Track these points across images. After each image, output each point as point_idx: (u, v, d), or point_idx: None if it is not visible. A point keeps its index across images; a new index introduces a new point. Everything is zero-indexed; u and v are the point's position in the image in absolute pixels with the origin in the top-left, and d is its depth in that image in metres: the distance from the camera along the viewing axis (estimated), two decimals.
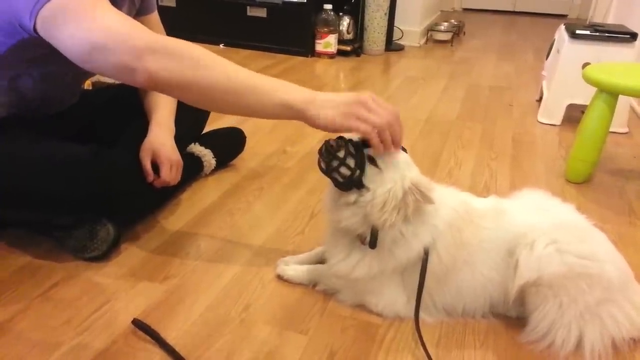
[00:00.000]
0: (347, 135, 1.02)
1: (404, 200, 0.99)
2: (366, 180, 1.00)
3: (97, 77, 1.89)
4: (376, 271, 1.07)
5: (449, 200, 1.10)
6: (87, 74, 1.42)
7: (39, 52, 1.12)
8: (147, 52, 0.95)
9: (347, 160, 0.99)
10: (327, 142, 1.00)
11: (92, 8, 0.97)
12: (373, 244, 1.02)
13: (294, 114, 0.99)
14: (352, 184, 1.00)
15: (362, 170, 0.99)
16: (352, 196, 1.01)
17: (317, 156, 1.02)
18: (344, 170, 0.99)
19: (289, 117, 1.00)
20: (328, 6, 3.30)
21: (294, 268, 1.23)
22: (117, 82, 1.50)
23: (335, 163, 0.99)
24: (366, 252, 1.06)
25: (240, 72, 1.01)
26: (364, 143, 1.01)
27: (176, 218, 1.48)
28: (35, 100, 1.26)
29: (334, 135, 1.02)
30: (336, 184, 1.02)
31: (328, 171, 1.00)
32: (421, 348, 1.01)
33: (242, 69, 1.01)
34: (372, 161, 1.00)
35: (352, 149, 0.99)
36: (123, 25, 0.98)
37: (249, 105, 1.00)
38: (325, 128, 0.99)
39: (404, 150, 1.05)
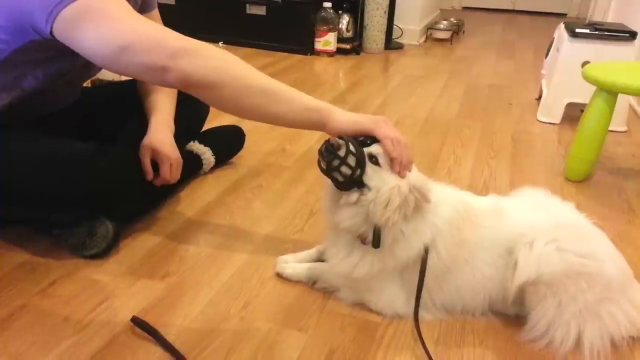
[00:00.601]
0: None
1: (406, 198, 0.99)
2: (367, 179, 1.00)
3: (97, 75, 1.89)
4: (377, 270, 1.07)
5: (448, 199, 1.10)
6: (90, 74, 1.41)
7: (45, 53, 1.12)
8: (180, 52, 0.97)
9: (348, 159, 0.99)
10: (327, 141, 1.00)
11: (118, 11, 0.99)
12: (377, 243, 1.01)
13: (318, 118, 1.05)
14: (353, 183, 1.00)
15: (363, 169, 0.99)
16: (353, 196, 1.01)
17: (316, 156, 1.02)
18: (345, 169, 0.99)
19: (313, 121, 1.06)
20: (327, 4, 3.30)
21: (293, 266, 1.23)
22: (116, 80, 1.50)
23: (336, 162, 0.98)
24: (367, 251, 1.06)
25: (267, 77, 1.05)
26: (364, 142, 1.01)
27: (175, 216, 1.48)
28: (37, 98, 1.26)
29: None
30: (336, 184, 1.02)
31: (329, 170, 1.00)
32: (420, 346, 1.02)
33: (266, 75, 1.05)
34: (373, 159, 1.00)
35: (352, 148, 0.99)
36: (152, 28, 1.00)
37: (277, 110, 1.05)
38: (347, 127, 1.04)
39: None
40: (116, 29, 0.97)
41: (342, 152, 0.98)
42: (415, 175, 1.02)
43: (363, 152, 1.00)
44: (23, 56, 1.11)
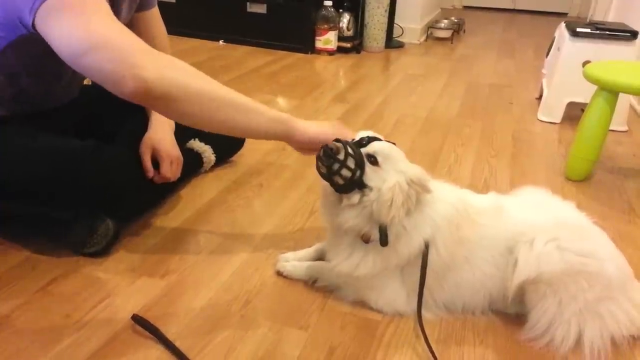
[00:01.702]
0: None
1: (408, 193, 0.99)
2: (367, 180, 1.00)
3: None
4: (379, 267, 1.07)
5: (447, 197, 1.10)
6: None
7: (37, 49, 1.11)
8: (144, 63, 0.93)
9: (348, 162, 0.99)
10: (325, 146, 1.00)
11: (94, 12, 0.97)
12: (385, 241, 1.01)
13: (284, 129, 1.08)
14: (353, 184, 1.00)
15: (363, 170, 1.00)
16: (354, 197, 1.02)
17: (315, 161, 1.02)
18: (345, 172, 0.99)
19: (279, 132, 1.08)
20: (328, 3, 3.30)
21: (294, 264, 1.23)
22: None
23: (336, 166, 0.99)
24: (368, 249, 1.06)
25: (231, 91, 1.04)
26: (360, 142, 1.02)
27: (176, 214, 1.48)
28: (34, 95, 1.26)
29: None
30: (337, 187, 1.02)
31: (329, 175, 1.00)
32: (420, 345, 1.02)
33: (230, 89, 1.05)
34: (371, 159, 1.01)
35: (351, 150, 1.00)
36: (123, 35, 0.97)
37: (242, 122, 1.05)
38: (313, 138, 1.08)
39: (393, 143, 1.06)
40: (87, 28, 0.94)
41: (341, 156, 0.99)
42: (412, 168, 1.03)
43: (361, 153, 1.01)
44: (16, 52, 1.11)
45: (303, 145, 1.12)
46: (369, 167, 1.00)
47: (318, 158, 1.01)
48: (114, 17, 1.00)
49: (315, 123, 1.13)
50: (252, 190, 1.64)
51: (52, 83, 1.27)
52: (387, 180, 1.00)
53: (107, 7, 1.01)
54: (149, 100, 0.96)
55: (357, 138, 1.06)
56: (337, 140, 1.01)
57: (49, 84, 1.26)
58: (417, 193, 1.01)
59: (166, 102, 0.97)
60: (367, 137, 1.04)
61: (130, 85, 0.92)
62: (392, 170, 1.01)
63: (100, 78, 0.97)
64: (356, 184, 1.00)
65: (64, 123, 1.36)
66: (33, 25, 0.99)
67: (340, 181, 1.00)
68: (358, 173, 0.99)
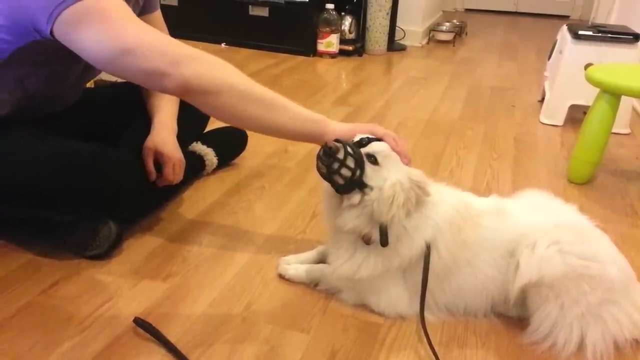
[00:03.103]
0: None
1: (408, 193, 0.99)
2: (367, 179, 1.00)
3: (100, 76, 1.89)
4: (381, 270, 1.07)
5: (448, 199, 1.10)
6: (92, 74, 1.42)
7: (47, 53, 1.12)
8: (181, 59, 0.97)
9: (347, 161, 0.99)
10: (325, 145, 1.01)
11: (119, 15, 1.00)
12: (385, 241, 1.01)
13: (317, 128, 1.09)
14: (353, 184, 1.00)
15: (363, 170, 1.00)
16: (355, 197, 1.02)
17: (316, 161, 1.02)
18: (345, 172, 0.99)
19: (312, 131, 1.09)
20: (330, 6, 3.30)
21: (296, 267, 1.23)
22: (119, 80, 1.51)
23: (335, 165, 0.99)
24: (370, 251, 1.06)
25: (266, 89, 1.06)
26: (360, 142, 1.02)
27: (178, 217, 1.48)
28: (39, 98, 1.26)
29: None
30: (337, 187, 1.02)
31: (329, 174, 1.00)
32: (423, 348, 1.02)
33: (265, 87, 1.07)
34: (371, 159, 1.01)
35: (350, 150, 1.00)
36: (153, 33, 1.00)
37: (277, 120, 1.07)
38: (342, 134, 1.07)
39: None
40: (117, 32, 0.97)
41: (340, 155, 0.99)
42: (412, 171, 1.03)
43: (361, 152, 1.01)
44: (25, 56, 1.11)
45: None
46: (369, 167, 1.01)
47: (318, 157, 1.01)
48: (136, 17, 1.03)
49: (347, 124, 1.13)
50: (254, 193, 1.64)
51: (58, 85, 1.28)
52: (388, 179, 1.00)
53: (128, 9, 1.03)
54: (188, 94, 1.01)
55: (356, 139, 1.06)
56: (337, 140, 1.02)
57: (55, 86, 1.27)
58: (416, 195, 1.01)
59: (204, 96, 1.01)
60: (367, 137, 1.05)
61: (171, 82, 0.97)
62: (393, 168, 1.01)
63: (139, 79, 1.01)
64: (356, 184, 1.00)
65: (68, 126, 1.37)
66: (51, 32, 0.99)
67: (341, 181, 1.00)
68: (358, 172, 0.99)
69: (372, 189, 1.00)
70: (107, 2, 0.99)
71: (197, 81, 0.98)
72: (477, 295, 1.11)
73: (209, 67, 1.01)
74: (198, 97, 1.02)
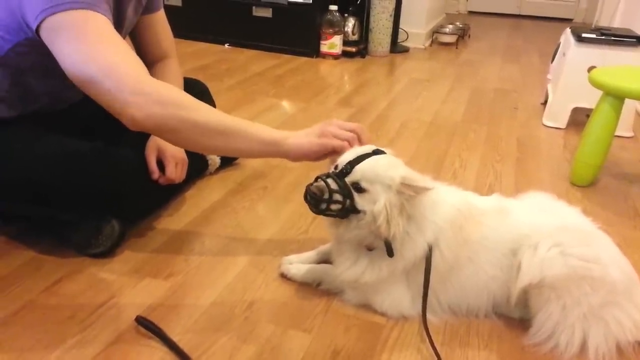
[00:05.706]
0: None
1: (400, 204, 0.99)
2: (358, 205, 1.01)
3: None
4: (385, 274, 1.07)
5: (450, 198, 1.11)
6: None
7: (43, 50, 1.12)
8: (136, 99, 0.99)
9: (334, 197, 1.00)
10: (308, 189, 1.01)
11: (97, 35, 1.02)
12: (391, 253, 1.03)
13: (276, 150, 1.10)
14: (347, 212, 1.02)
15: (352, 198, 1.01)
16: (353, 222, 1.04)
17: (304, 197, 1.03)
18: (334, 206, 1.01)
19: (273, 152, 1.10)
20: (333, 7, 3.31)
21: (298, 267, 1.23)
22: None
23: (323, 205, 1.00)
24: (373, 257, 1.07)
25: (224, 115, 1.08)
26: (342, 172, 1.02)
27: (181, 216, 1.48)
28: (41, 95, 1.27)
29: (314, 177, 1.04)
30: (333, 217, 1.04)
31: (320, 213, 1.03)
32: (425, 348, 1.02)
33: (224, 113, 1.09)
34: (356, 187, 1.01)
35: (334, 186, 1.00)
36: (123, 63, 1.01)
37: (237, 147, 1.09)
38: (306, 154, 1.09)
39: (382, 152, 1.05)
40: (89, 56, 1.00)
41: (326, 195, 1.00)
42: (398, 174, 1.00)
43: (345, 184, 1.01)
44: (22, 52, 1.12)
45: (302, 160, 1.13)
46: (357, 196, 1.01)
47: (305, 199, 1.02)
48: (116, 38, 1.04)
49: (304, 135, 1.11)
50: (256, 192, 1.64)
51: (58, 83, 1.28)
52: (377, 201, 1.00)
53: (109, 27, 1.05)
54: (145, 131, 1.04)
55: (339, 163, 1.04)
56: (318, 177, 1.02)
57: (55, 84, 1.27)
58: (410, 197, 1.00)
59: (159, 133, 1.08)
60: (348, 164, 1.02)
61: (125, 120, 1.01)
62: (380, 187, 1.00)
63: (103, 105, 1.04)
64: (349, 211, 1.02)
65: (71, 124, 1.37)
66: (37, 32, 1.02)
67: (333, 213, 1.02)
68: (347, 202, 1.01)
69: (365, 213, 1.01)
70: (92, 20, 1.02)
71: (149, 122, 1.01)
72: (479, 294, 1.10)
73: (163, 107, 1.01)
74: (156, 134, 1.07)
